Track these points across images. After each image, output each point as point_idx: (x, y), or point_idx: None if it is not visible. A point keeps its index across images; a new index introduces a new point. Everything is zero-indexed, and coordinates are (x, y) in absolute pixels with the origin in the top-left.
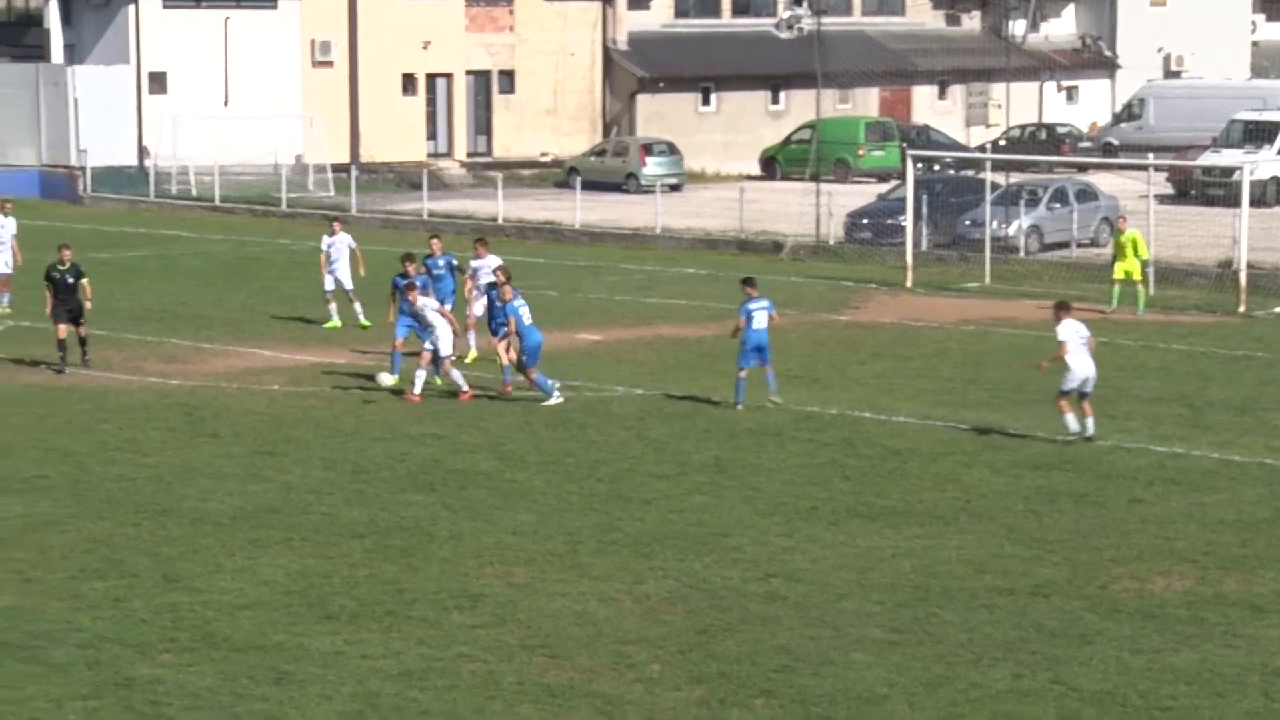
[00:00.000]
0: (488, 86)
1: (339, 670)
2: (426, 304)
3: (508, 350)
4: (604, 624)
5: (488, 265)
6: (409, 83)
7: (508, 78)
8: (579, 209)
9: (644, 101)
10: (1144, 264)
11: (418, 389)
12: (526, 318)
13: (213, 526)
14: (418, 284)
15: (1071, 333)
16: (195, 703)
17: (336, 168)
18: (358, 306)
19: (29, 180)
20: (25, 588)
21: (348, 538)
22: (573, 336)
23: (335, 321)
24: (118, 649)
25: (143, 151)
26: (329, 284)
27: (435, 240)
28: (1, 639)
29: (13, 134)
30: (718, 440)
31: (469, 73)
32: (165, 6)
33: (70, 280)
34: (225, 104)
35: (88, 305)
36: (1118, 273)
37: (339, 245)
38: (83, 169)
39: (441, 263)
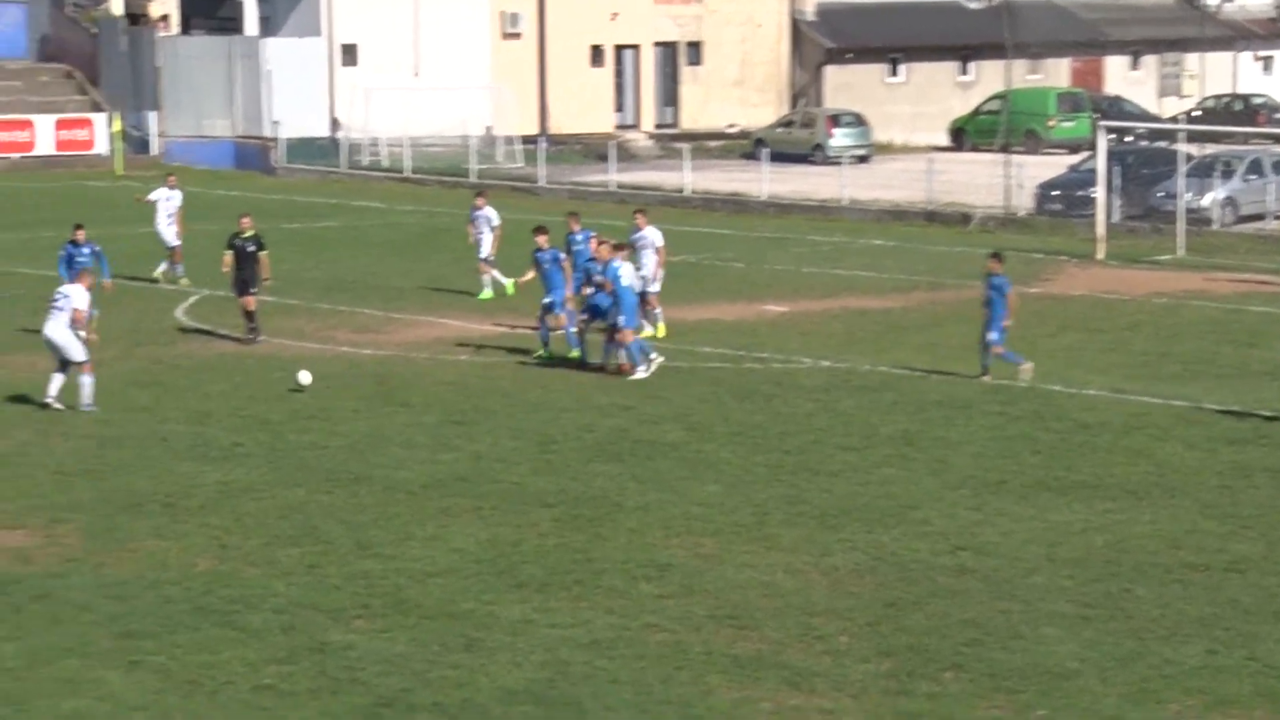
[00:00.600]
0: (675, 58)
1: (528, 638)
2: (624, 270)
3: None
4: (791, 595)
5: (647, 237)
6: (597, 54)
7: (695, 49)
8: (765, 180)
9: (832, 72)
10: None
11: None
12: (626, 279)
13: (404, 495)
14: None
15: None
16: (388, 668)
17: (525, 139)
18: (487, 277)
19: (224, 151)
20: (223, 554)
21: (536, 507)
22: (759, 308)
23: (507, 286)
24: (312, 614)
25: (334, 123)
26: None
27: (574, 217)
28: (200, 604)
29: (209, 106)
30: (906, 413)
31: (656, 44)
32: None
33: (251, 249)
34: (415, 76)
35: (266, 281)
36: None
37: (482, 219)
38: (275, 140)
39: (580, 238)
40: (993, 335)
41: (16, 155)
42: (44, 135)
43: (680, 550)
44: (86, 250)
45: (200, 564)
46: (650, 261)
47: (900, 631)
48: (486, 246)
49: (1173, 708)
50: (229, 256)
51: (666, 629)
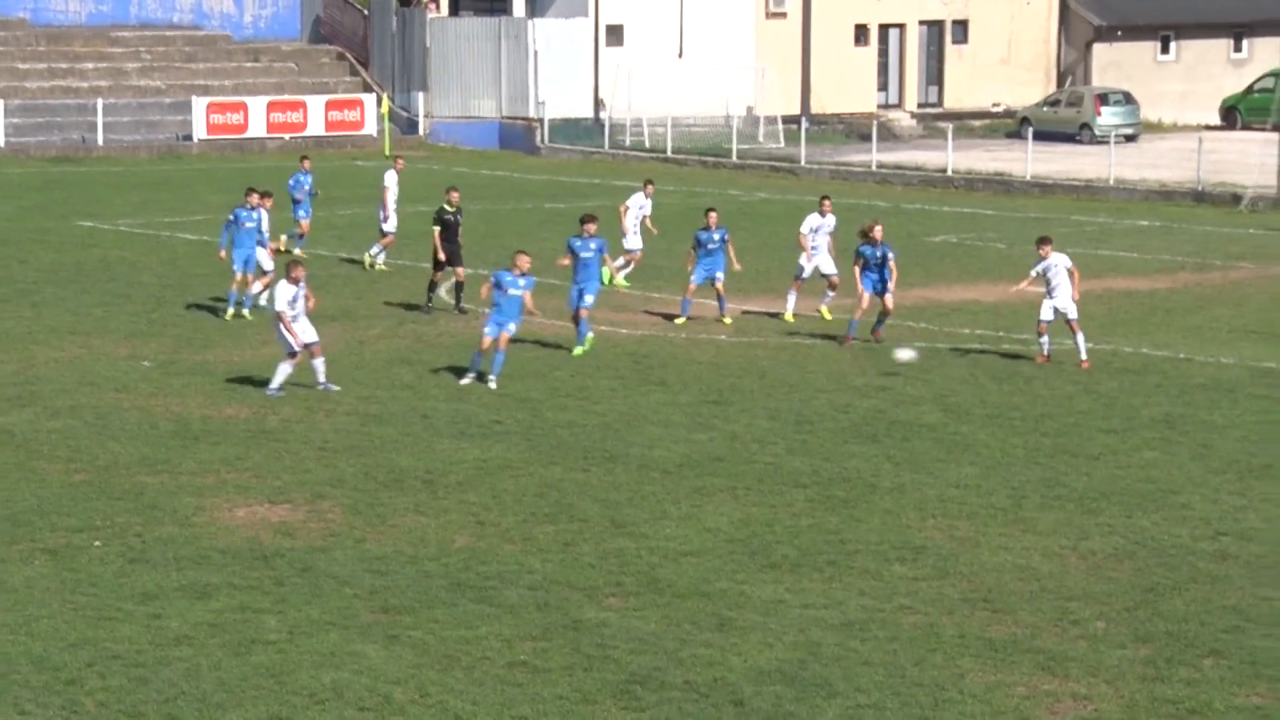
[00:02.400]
0: (940, 36)
1: (780, 619)
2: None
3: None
4: (1047, 579)
5: (827, 226)
6: (861, 33)
7: (961, 27)
8: (1030, 160)
9: (1100, 50)
10: None
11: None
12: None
13: (659, 474)
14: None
15: None
16: (640, 646)
17: (787, 119)
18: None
19: (489, 132)
20: (480, 530)
21: (790, 487)
22: (1022, 290)
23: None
24: (566, 592)
25: (598, 103)
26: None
27: (711, 213)
28: (457, 579)
29: (476, 86)
30: (1168, 396)
31: (922, 22)
32: None
33: (459, 222)
34: (679, 56)
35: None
36: None
37: (639, 208)
38: (540, 120)
39: (717, 236)
40: None
41: (289, 135)
42: (315, 116)
43: (935, 532)
44: (255, 215)
45: (458, 540)
46: (823, 245)
47: (1158, 617)
48: (638, 239)
49: None
50: (438, 230)
51: (920, 611)
